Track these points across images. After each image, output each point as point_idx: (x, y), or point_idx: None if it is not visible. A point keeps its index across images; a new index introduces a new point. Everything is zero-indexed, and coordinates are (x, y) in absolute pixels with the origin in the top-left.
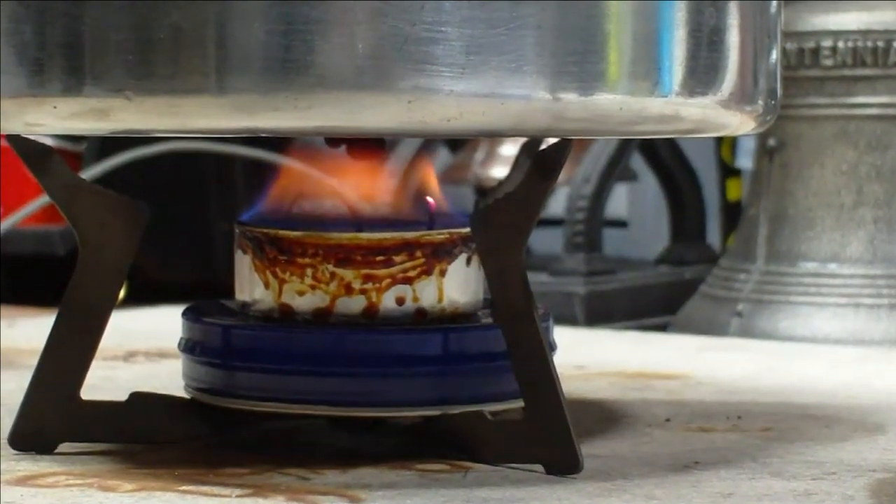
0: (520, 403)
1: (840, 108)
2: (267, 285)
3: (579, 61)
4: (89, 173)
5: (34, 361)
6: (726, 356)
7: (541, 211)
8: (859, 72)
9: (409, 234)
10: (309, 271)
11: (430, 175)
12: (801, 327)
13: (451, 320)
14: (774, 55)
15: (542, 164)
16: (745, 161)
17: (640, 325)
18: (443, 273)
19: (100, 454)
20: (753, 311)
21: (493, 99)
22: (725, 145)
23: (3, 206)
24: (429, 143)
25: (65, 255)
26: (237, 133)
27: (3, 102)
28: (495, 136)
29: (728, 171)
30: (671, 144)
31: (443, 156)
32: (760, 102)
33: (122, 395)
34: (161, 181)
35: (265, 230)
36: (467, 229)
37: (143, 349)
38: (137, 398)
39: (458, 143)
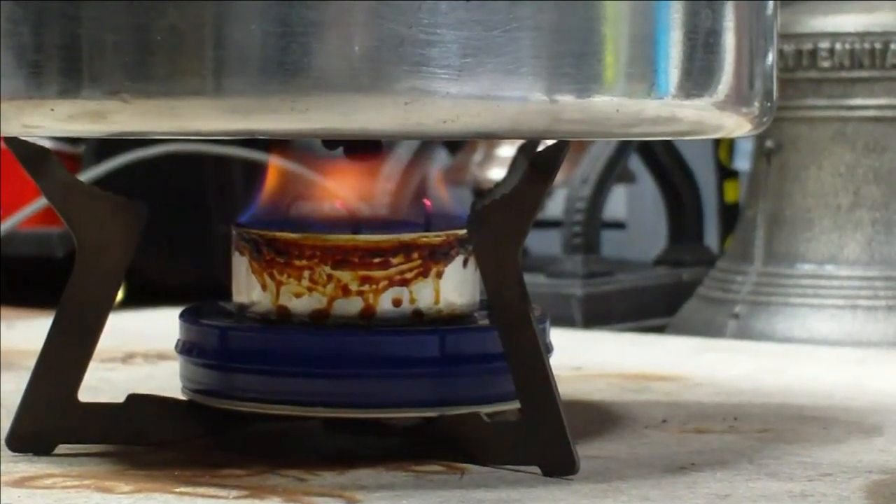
0: (516, 405)
1: (837, 109)
2: (264, 287)
3: (576, 63)
4: (88, 175)
5: (32, 363)
6: (724, 357)
7: (538, 212)
8: (857, 73)
9: (406, 236)
10: (306, 273)
11: (437, 176)
12: (799, 329)
13: (448, 322)
14: (771, 57)
15: (539, 165)
16: (742, 163)
17: (637, 326)
18: (439, 275)
19: (97, 456)
20: (751, 312)
21: (489, 101)
22: (723, 147)
23: (2, 208)
24: (429, 144)
25: (63, 256)
26: (234, 135)
27: (1, 105)
28: (492, 138)
29: (726, 172)
30: (669, 146)
31: (440, 157)
32: (757, 104)
33: (119, 397)
34: (159, 183)
35: (262, 232)
36: (464, 231)
37: (142, 351)
38: (135, 400)
39: (456, 144)
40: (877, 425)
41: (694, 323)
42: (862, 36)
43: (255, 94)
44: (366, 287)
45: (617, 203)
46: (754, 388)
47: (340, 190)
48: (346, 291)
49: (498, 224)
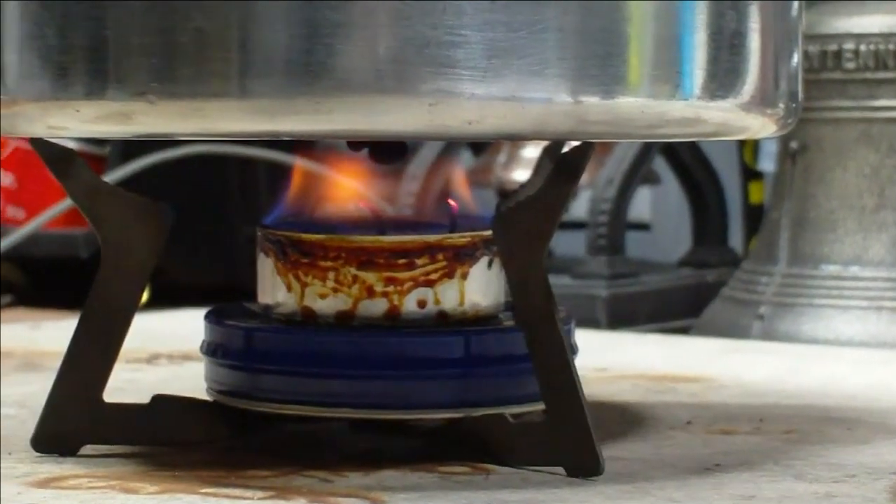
0: (541, 406)
1: (862, 110)
2: (289, 288)
3: (601, 64)
4: (113, 177)
5: (57, 364)
6: (748, 359)
7: (563, 214)
8: (881, 75)
9: (431, 237)
10: (331, 274)
11: (460, 178)
12: (824, 330)
13: (473, 323)
14: (795, 58)
15: (563, 167)
16: (767, 164)
17: (662, 327)
18: (464, 276)
19: (122, 456)
20: (776, 313)
21: (514, 102)
22: (748, 148)
23: (27, 209)
24: (453, 146)
25: (88, 258)
26: (259, 136)
27: (27, 106)
28: (517, 140)
29: (750, 173)
30: (694, 147)
31: (465, 159)
32: (781, 105)
33: (144, 398)
34: (184, 184)
35: (288, 233)
36: (489, 232)
37: (166, 352)
38: (160, 400)
39: (481, 146)
40: None
41: (719, 324)
42: (887, 37)
43: (280, 95)
44: (391, 288)
45: (641, 204)
46: (779, 390)
47: (365, 191)
48: (371, 292)
49: (523, 225)
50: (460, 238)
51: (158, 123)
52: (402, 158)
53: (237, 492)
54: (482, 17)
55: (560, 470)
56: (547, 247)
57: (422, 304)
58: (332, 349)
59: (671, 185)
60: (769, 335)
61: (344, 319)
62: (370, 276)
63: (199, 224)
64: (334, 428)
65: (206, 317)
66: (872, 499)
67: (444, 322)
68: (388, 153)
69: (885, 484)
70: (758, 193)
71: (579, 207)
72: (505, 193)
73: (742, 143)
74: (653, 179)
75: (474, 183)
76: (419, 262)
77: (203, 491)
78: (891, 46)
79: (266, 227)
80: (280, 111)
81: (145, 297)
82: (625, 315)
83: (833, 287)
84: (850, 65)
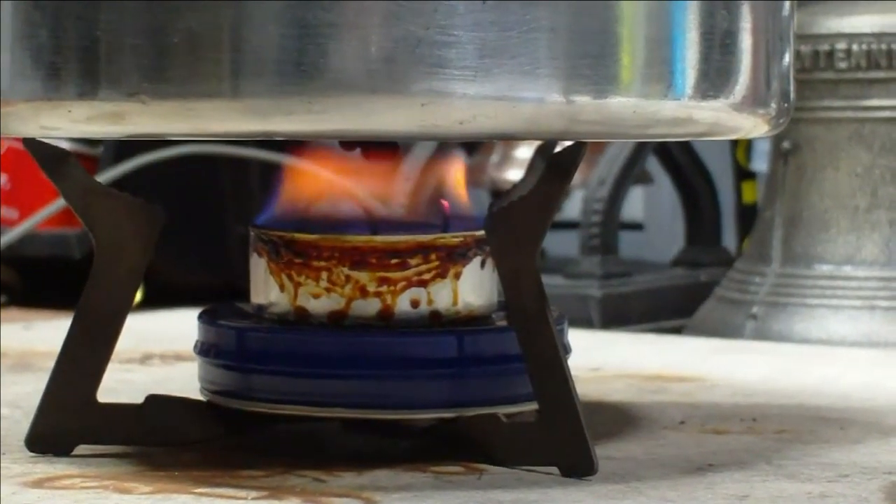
0: (534, 406)
1: (854, 110)
2: (282, 288)
3: (592, 64)
4: (105, 177)
5: (51, 364)
6: (741, 358)
7: (555, 214)
8: (873, 74)
9: (424, 237)
10: (324, 274)
11: (458, 176)
12: (817, 330)
13: (466, 323)
14: (787, 58)
15: (556, 166)
16: (760, 164)
17: (655, 327)
18: (457, 276)
19: (116, 456)
20: (768, 313)
21: (506, 102)
22: (740, 148)
23: (21, 209)
24: (447, 145)
25: (81, 258)
26: (252, 136)
27: (19, 106)
28: (509, 139)
29: (743, 173)
30: (686, 147)
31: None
32: (773, 105)
33: (138, 398)
34: (176, 184)
35: (280, 233)
36: (482, 232)
37: (159, 352)
38: (153, 401)
39: (473, 145)
40: (895, 426)
41: (711, 324)
42: (878, 37)
43: (273, 95)
44: (384, 288)
45: (634, 204)
46: (772, 389)
47: (358, 190)
48: (364, 292)
49: (515, 225)
50: (453, 238)
51: (151, 124)
52: (395, 158)
53: (230, 492)
54: (474, 16)
55: (553, 470)
56: (540, 247)
57: (415, 303)
58: (326, 349)
59: (664, 185)
60: (762, 335)
61: (337, 319)
62: (363, 276)
63: (191, 224)
64: (327, 428)
65: (200, 317)
66: (866, 499)
67: (438, 322)
68: (380, 152)
69: (879, 484)
70: (751, 193)
71: (572, 207)
72: (498, 193)
73: (735, 143)
74: (645, 179)
75: (467, 182)
76: (412, 261)
77: (196, 491)
78: (883, 46)
79: (259, 227)
80: (272, 111)
81: (138, 297)
82: (618, 315)
83: (826, 287)
84: (842, 65)
